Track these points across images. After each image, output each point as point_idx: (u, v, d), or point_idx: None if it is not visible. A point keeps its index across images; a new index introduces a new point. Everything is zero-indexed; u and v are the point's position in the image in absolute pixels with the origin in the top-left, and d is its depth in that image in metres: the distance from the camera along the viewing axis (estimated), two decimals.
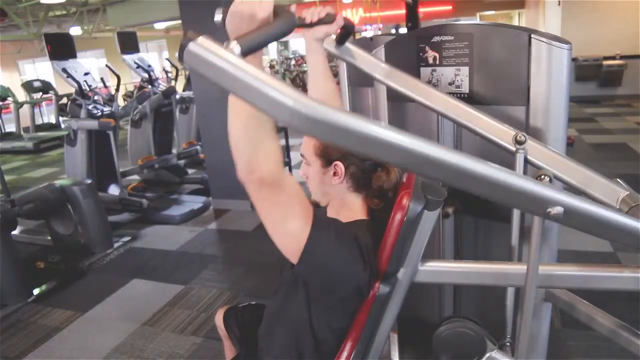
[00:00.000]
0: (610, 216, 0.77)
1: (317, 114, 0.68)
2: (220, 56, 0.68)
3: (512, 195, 0.75)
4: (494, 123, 1.27)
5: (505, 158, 1.22)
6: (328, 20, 1.17)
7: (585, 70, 8.53)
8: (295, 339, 1.18)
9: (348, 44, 1.42)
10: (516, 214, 1.31)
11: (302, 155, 1.22)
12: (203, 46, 0.68)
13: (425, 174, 0.75)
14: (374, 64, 1.43)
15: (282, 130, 4.59)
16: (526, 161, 1.20)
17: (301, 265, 1.02)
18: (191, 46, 0.68)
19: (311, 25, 1.18)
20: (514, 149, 1.20)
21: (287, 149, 4.70)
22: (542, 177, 0.90)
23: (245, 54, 0.72)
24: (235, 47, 0.71)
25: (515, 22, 15.81)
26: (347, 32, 1.33)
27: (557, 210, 0.72)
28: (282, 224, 0.99)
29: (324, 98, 1.26)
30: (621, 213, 0.78)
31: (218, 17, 0.92)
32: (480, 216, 1.69)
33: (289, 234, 0.99)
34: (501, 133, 1.24)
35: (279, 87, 0.67)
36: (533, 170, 1.21)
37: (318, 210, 1.09)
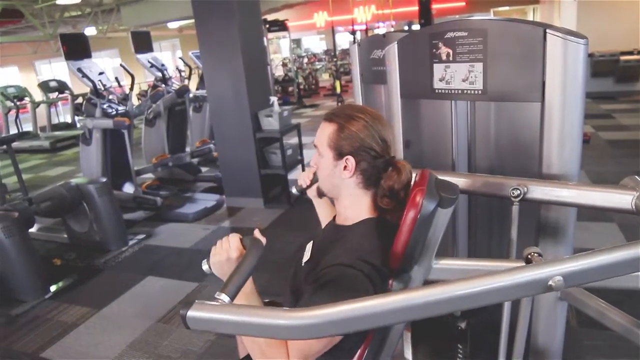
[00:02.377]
0: (609, 257, 0.76)
1: (316, 319, 0.78)
2: (215, 313, 0.81)
3: (511, 292, 0.78)
4: (493, 179, 1.34)
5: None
6: (317, 179, 1.30)
7: (602, 66, 8.38)
8: None
9: None
10: (515, 215, 1.32)
11: (315, 146, 1.22)
12: (200, 310, 0.81)
13: (424, 316, 0.80)
14: None
15: (295, 128, 4.60)
16: (527, 200, 1.27)
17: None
18: (190, 313, 0.81)
19: (309, 187, 1.36)
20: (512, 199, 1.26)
21: (300, 147, 4.70)
22: (532, 254, 0.94)
23: (233, 298, 0.86)
24: (224, 297, 0.85)
25: (530, 18, 15.62)
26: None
27: (557, 280, 0.74)
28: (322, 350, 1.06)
29: None
30: (618, 247, 0.77)
31: (205, 267, 1.10)
32: (495, 210, 1.68)
33: (326, 345, 1.05)
34: (500, 187, 1.30)
35: (274, 314, 0.80)
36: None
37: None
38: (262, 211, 4.36)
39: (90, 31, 12.54)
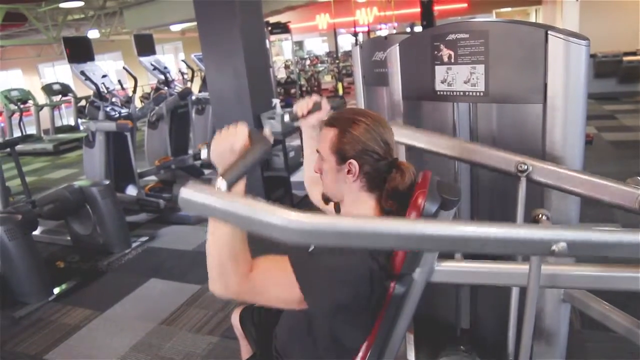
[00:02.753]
0: (611, 236, 0.77)
1: (305, 225, 0.74)
2: (210, 196, 0.77)
3: (514, 245, 0.78)
4: (498, 153, 1.32)
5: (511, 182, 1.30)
6: (317, 108, 1.29)
7: (605, 67, 8.36)
8: (312, 337, 1.18)
9: None
10: (522, 190, 1.31)
11: (317, 151, 1.23)
12: (194, 190, 0.77)
13: (426, 249, 0.82)
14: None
15: (298, 130, 4.60)
16: (533, 182, 1.25)
17: (310, 306, 1.04)
18: (183, 192, 0.76)
19: (304, 117, 1.32)
20: (517, 175, 1.24)
21: (302, 149, 4.70)
22: (540, 216, 0.93)
23: (230, 187, 0.82)
24: (222, 183, 0.80)
25: (532, 19, 15.61)
26: (339, 109, 1.41)
27: (561, 246, 0.74)
28: (274, 299, 1.06)
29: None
30: (622, 230, 0.78)
31: (204, 153, 1.03)
32: (496, 215, 1.67)
33: (284, 299, 1.05)
34: (505, 161, 1.29)
35: (267, 209, 0.75)
36: (541, 187, 1.20)
37: (299, 250, 1.11)
38: None
39: (93, 34, 12.59)
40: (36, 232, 3.75)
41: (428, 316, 1.87)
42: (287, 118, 1.31)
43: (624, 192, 1.12)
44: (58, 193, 3.58)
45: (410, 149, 1.78)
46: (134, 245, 3.89)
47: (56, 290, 3.21)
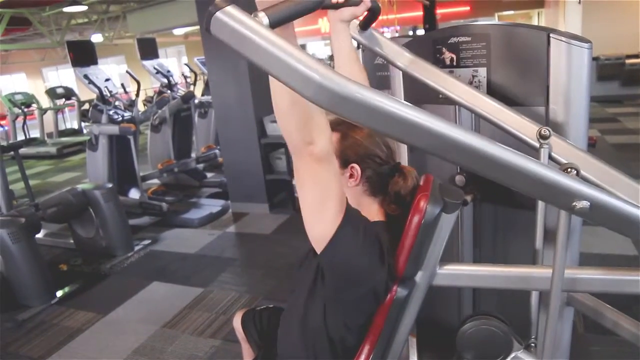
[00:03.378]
0: (636, 213, 0.75)
1: (343, 90, 0.65)
2: (247, 26, 0.65)
3: (538, 186, 0.73)
4: (518, 117, 1.23)
5: (528, 154, 1.19)
6: (355, 1, 1.14)
7: (608, 69, 8.36)
8: (311, 339, 1.18)
9: (372, 30, 1.37)
10: (540, 215, 1.28)
11: None
12: (230, 15, 0.66)
13: (451, 158, 0.73)
14: (398, 52, 1.39)
15: None
16: (550, 158, 1.15)
17: (324, 255, 1.01)
18: (219, 15, 0.66)
19: (338, 5, 1.13)
20: (537, 144, 1.14)
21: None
22: (569, 170, 0.86)
23: (273, 25, 0.70)
24: (264, 18, 0.69)
25: (535, 22, 15.59)
26: (372, 15, 1.28)
27: (583, 204, 0.70)
28: (321, 206, 0.96)
29: None
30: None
31: None
32: (500, 215, 1.67)
33: (323, 218, 0.97)
34: (524, 128, 1.20)
35: (307, 60, 0.64)
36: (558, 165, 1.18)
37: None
38: (268, 216, 4.36)
39: (96, 38, 12.64)
40: (39, 235, 3.76)
41: (431, 320, 1.86)
42: None
43: (632, 187, 1.09)
44: (61, 196, 3.59)
45: (412, 150, 1.78)
46: (136, 248, 3.89)
47: (59, 293, 3.22)
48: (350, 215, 1.00)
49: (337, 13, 1.20)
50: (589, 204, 0.71)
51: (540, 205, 1.28)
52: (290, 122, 0.86)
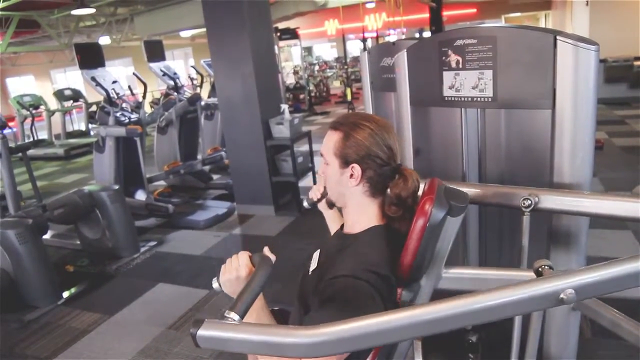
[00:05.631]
0: (620, 270, 0.74)
1: (325, 336, 0.78)
2: (226, 330, 0.82)
3: (523, 306, 0.78)
4: (504, 189, 1.31)
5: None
6: (325, 193, 1.30)
7: (615, 72, 8.30)
8: None
9: None
10: (526, 225, 1.30)
11: (321, 154, 1.23)
12: (210, 329, 0.82)
13: (433, 332, 0.80)
14: None
15: (306, 135, 4.61)
16: (538, 210, 1.24)
17: None
18: (200, 332, 0.81)
19: (319, 200, 1.37)
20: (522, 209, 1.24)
21: (310, 154, 4.71)
22: (542, 267, 0.93)
23: (243, 316, 0.86)
24: (234, 316, 0.85)
25: (542, 24, 15.54)
26: None
27: (569, 293, 0.73)
28: None
29: None
30: (625, 259, 0.76)
31: (215, 285, 1.10)
32: (505, 219, 1.66)
33: None
34: (510, 197, 1.28)
35: (284, 332, 0.81)
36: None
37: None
38: (273, 219, 4.36)
39: (104, 40, 12.74)
40: (46, 236, 3.78)
41: None
42: (306, 204, 1.40)
43: (631, 205, 1.11)
44: (68, 197, 3.61)
45: (417, 153, 1.78)
46: (142, 249, 3.90)
47: (65, 294, 3.24)
48: None
49: (322, 205, 1.41)
50: (573, 291, 0.73)
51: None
52: None
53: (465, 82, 1.53)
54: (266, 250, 1.06)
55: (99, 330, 2.80)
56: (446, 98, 1.60)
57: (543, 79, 1.34)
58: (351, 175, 1.16)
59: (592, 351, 2.16)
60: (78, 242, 3.99)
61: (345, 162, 1.16)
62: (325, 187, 1.29)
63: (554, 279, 0.75)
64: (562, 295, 0.73)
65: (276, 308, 1.70)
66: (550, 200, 1.22)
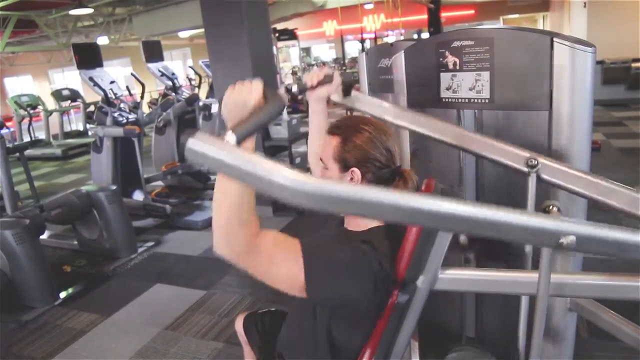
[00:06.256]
0: (623, 236, 0.76)
1: (314, 189, 0.71)
2: (218, 148, 0.75)
3: (524, 234, 0.75)
4: (506, 147, 1.25)
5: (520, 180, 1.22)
6: (327, 80, 1.23)
7: (613, 73, 8.33)
8: (312, 343, 1.18)
9: (354, 92, 1.41)
10: (532, 187, 1.27)
11: (320, 159, 1.23)
12: (202, 141, 0.75)
13: (429, 226, 0.79)
14: (382, 108, 1.42)
15: (304, 136, 4.61)
16: (541, 180, 1.19)
17: (310, 296, 1.01)
18: (190, 143, 0.75)
19: (313, 88, 1.24)
20: (527, 171, 1.18)
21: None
22: (550, 207, 0.89)
23: (240, 142, 0.79)
24: (231, 137, 0.77)
25: (540, 26, 15.58)
26: (348, 85, 1.35)
27: (570, 239, 0.72)
28: (275, 275, 1.00)
29: None
30: (633, 229, 0.77)
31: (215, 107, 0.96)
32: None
33: (286, 279, 1.00)
34: (514, 157, 1.23)
35: (275, 169, 0.72)
36: (548, 188, 1.18)
37: (310, 238, 1.09)
38: (270, 219, 4.36)
39: (102, 40, 12.72)
40: (44, 237, 3.78)
41: (433, 323, 1.86)
42: (295, 88, 1.18)
43: (632, 197, 1.10)
44: (66, 198, 3.60)
45: (415, 154, 1.78)
46: (140, 250, 3.90)
47: (62, 295, 3.23)
48: (309, 253, 1.00)
49: (313, 94, 1.29)
50: (574, 237, 0.72)
51: None
52: (226, 234, 0.94)
53: (462, 84, 1.53)
54: (281, 91, 1.01)
55: (96, 330, 2.80)
56: (443, 99, 1.60)
57: (540, 80, 1.35)
58: (351, 179, 1.16)
59: (589, 352, 2.16)
60: (75, 243, 3.98)
61: (344, 167, 1.16)
62: (326, 76, 1.23)
63: (559, 220, 0.73)
64: (562, 240, 0.72)
65: (272, 309, 1.71)
66: (552, 171, 1.18)
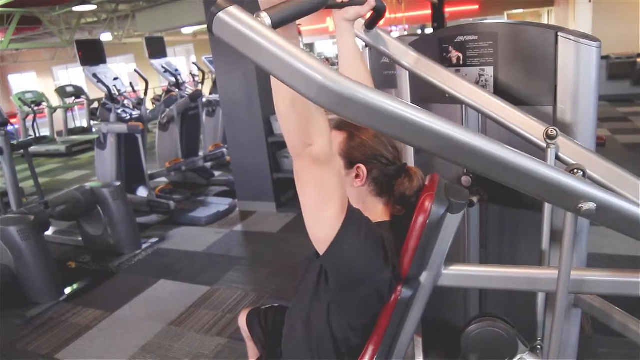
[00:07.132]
0: None
1: (345, 90, 0.63)
2: (249, 26, 0.64)
3: (543, 187, 0.72)
4: (525, 117, 1.21)
5: (534, 155, 1.17)
6: (360, 1, 1.12)
7: (619, 68, 8.26)
8: (315, 339, 1.18)
9: (378, 30, 1.36)
10: (547, 216, 1.27)
11: None
12: (233, 15, 0.65)
13: (455, 160, 0.72)
14: (403, 51, 1.38)
15: None
16: (557, 158, 1.14)
17: (327, 256, 0.99)
18: (221, 15, 0.65)
19: (342, 5, 1.13)
20: (544, 144, 1.13)
21: None
22: (575, 171, 0.86)
23: (275, 26, 0.69)
24: (266, 18, 0.68)
25: (545, 21, 15.47)
26: (378, 14, 1.26)
27: (590, 205, 0.69)
28: (322, 207, 0.95)
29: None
30: None
31: None
32: (506, 216, 1.66)
33: (325, 220, 0.96)
34: (531, 128, 1.18)
35: (309, 61, 0.63)
36: (565, 166, 1.17)
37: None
38: (275, 215, 4.37)
39: (106, 37, 12.73)
40: (48, 233, 3.79)
41: (438, 320, 1.85)
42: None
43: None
44: (70, 194, 3.61)
45: (419, 151, 1.77)
46: (144, 246, 3.91)
47: (67, 291, 3.25)
48: (353, 216, 0.99)
49: (341, 12, 1.18)
50: (595, 205, 0.69)
51: (547, 205, 1.27)
52: (290, 122, 0.86)
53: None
54: None
55: (100, 326, 2.81)
56: (447, 95, 1.59)
57: (544, 75, 1.34)
58: (357, 176, 1.16)
59: (593, 348, 2.16)
60: (80, 239, 3.99)
61: (350, 163, 1.16)
62: None
63: (582, 183, 0.70)
64: (581, 205, 0.69)
65: (276, 305, 1.71)
66: (570, 150, 1.14)
